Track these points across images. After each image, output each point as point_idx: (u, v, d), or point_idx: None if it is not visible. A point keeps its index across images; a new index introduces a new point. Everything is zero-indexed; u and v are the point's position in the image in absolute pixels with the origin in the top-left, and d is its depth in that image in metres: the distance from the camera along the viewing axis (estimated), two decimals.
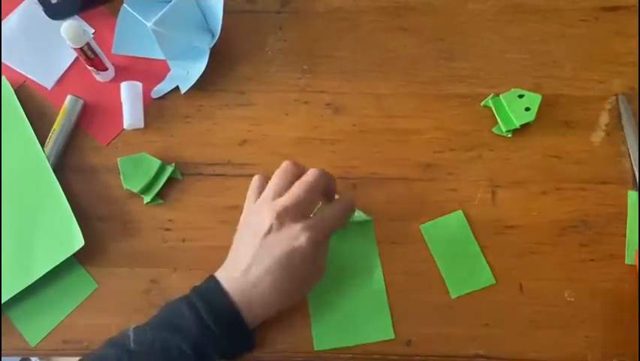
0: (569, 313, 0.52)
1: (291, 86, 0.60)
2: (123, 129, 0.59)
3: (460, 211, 0.55)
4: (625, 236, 0.54)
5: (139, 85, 0.59)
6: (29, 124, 0.58)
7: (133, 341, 0.45)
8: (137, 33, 0.60)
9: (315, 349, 0.52)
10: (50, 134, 0.57)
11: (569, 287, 0.53)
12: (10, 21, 0.63)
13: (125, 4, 0.60)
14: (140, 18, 0.57)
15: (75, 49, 0.55)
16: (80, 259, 0.55)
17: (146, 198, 0.56)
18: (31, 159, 0.57)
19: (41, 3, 0.61)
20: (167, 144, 0.59)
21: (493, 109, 0.57)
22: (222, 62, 0.61)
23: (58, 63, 0.61)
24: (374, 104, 0.59)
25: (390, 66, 0.60)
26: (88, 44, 0.55)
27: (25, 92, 0.60)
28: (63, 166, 0.58)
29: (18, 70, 0.61)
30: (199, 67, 0.59)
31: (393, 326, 0.52)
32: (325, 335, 0.52)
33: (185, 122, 0.59)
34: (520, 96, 0.57)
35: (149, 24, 0.55)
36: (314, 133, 0.58)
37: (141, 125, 0.59)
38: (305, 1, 0.63)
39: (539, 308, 0.52)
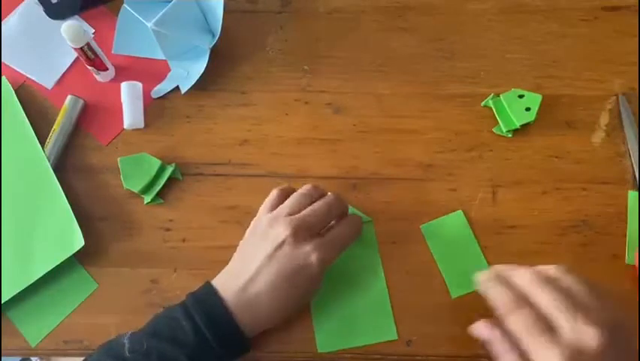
0: None
1: (292, 86, 0.60)
2: (123, 129, 0.59)
3: (461, 211, 0.55)
4: (625, 236, 0.54)
5: (139, 85, 0.59)
6: (29, 124, 0.58)
7: (128, 349, 0.44)
8: (137, 33, 0.60)
9: (319, 351, 0.52)
10: (50, 134, 0.57)
11: None
12: (11, 21, 0.63)
13: (125, 4, 0.60)
14: (140, 18, 0.57)
15: (75, 49, 0.55)
16: (80, 259, 0.55)
17: (147, 198, 0.56)
18: (31, 159, 0.57)
19: (41, 3, 0.61)
20: (168, 144, 0.58)
21: (494, 109, 0.57)
22: (223, 61, 0.61)
23: (59, 63, 0.61)
24: (374, 104, 0.59)
25: (390, 66, 0.60)
26: (88, 44, 0.55)
27: (25, 92, 0.60)
28: (63, 166, 0.58)
29: (18, 70, 0.61)
30: (199, 67, 0.59)
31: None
32: (328, 337, 0.52)
33: (185, 122, 0.59)
34: (521, 96, 0.57)
35: (149, 24, 0.55)
36: (314, 133, 0.58)
37: (141, 125, 0.59)
38: (306, 1, 0.63)
39: None
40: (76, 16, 0.63)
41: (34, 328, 0.54)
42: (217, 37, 0.58)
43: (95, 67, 0.58)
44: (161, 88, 0.60)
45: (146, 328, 0.46)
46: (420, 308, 0.53)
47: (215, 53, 0.59)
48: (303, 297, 0.49)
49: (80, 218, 0.55)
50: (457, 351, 0.52)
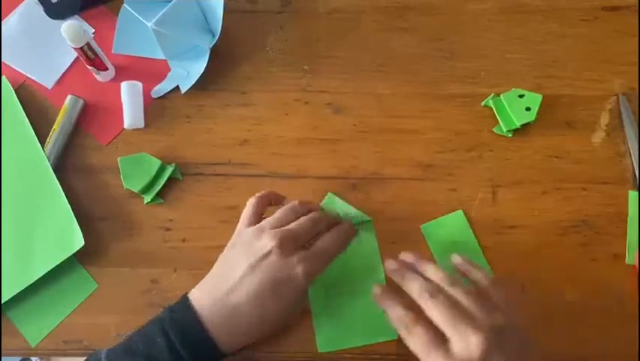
0: (570, 314, 0.52)
1: (292, 85, 0.60)
2: (123, 129, 0.59)
3: (461, 211, 0.55)
4: (625, 236, 0.54)
5: (139, 85, 0.59)
6: (29, 124, 0.58)
7: None
8: (137, 33, 0.60)
9: (319, 351, 0.52)
10: (50, 133, 0.57)
11: (570, 287, 0.53)
12: (11, 21, 0.63)
13: (125, 4, 0.60)
14: (140, 18, 0.57)
15: (75, 49, 0.55)
16: (80, 258, 0.55)
17: (147, 198, 0.56)
18: (31, 158, 0.57)
19: (41, 3, 0.61)
20: (168, 144, 0.58)
21: (494, 109, 0.57)
22: (223, 61, 0.61)
23: (59, 63, 0.61)
24: (374, 104, 0.59)
25: (390, 66, 0.60)
26: (88, 44, 0.55)
27: (25, 92, 0.60)
28: (63, 166, 0.58)
29: (18, 69, 0.61)
30: (199, 67, 0.59)
31: None
32: (328, 337, 0.52)
33: (185, 122, 0.59)
34: (521, 96, 0.57)
35: (149, 24, 0.55)
36: (314, 133, 0.58)
37: (141, 125, 0.59)
38: (306, 1, 0.63)
39: (540, 308, 0.52)
40: (76, 16, 0.63)
41: (34, 328, 0.54)
42: (217, 37, 0.58)
43: (95, 67, 0.58)
44: (161, 88, 0.60)
45: (123, 343, 0.46)
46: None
47: (215, 53, 0.59)
48: (285, 311, 0.46)
49: (79, 218, 0.55)
50: None
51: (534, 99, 0.56)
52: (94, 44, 0.56)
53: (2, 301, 0.53)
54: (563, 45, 0.60)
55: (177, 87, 0.60)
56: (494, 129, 0.57)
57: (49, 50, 0.62)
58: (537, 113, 0.56)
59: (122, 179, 0.56)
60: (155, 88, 0.60)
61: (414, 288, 0.45)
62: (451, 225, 0.55)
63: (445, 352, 0.42)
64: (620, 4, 0.61)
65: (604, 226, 0.54)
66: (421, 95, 0.59)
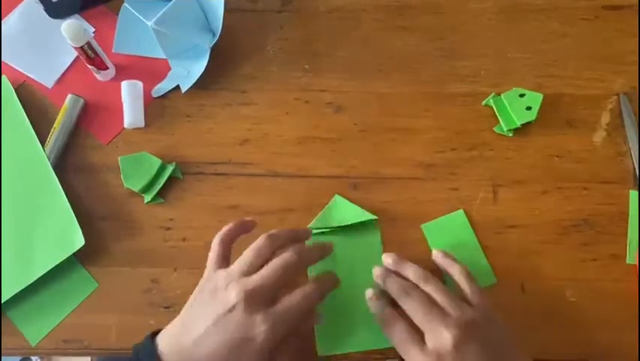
0: (571, 313, 0.52)
1: (292, 85, 0.60)
2: (124, 128, 0.59)
3: (462, 211, 0.55)
4: (626, 236, 0.54)
5: (139, 84, 0.59)
6: (30, 123, 0.58)
7: None
8: (137, 32, 0.60)
9: (319, 354, 0.51)
10: (51, 133, 0.57)
11: (571, 287, 0.53)
12: (11, 20, 0.63)
13: (125, 3, 0.60)
14: (140, 17, 0.57)
15: (75, 48, 0.55)
16: (80, 258, 0.55)
17: (147, 198, 0.56)
18: (31, 158, 0.57)
19: (42, 2, 0.61)
20: (168, 143, 0.58)
21: (495, 108, 0.57)
22: (223, 61, 0.61)
23: (59, 62, 0.61)
24: (375, 103, 0.59)
25: (391, 65, 0.60)
26: (88, 43, 0.55)
27: (25, 91, 0.60)
28: (63, 165, 0.58)
29: (18, 69, 0.61)
30: (200, 66, 0.58)
31: None
32: (329, 340, 0.52)
33: (185, 121, 0.59)
34: (522, 95, 0.57)
35: (149, 23, 0.55)
36: (315, 132, 0.58)
37: (142, 124, 0.59)
38: (306, 0, 0.63)
39: (541, 308, 0.52)
40: (77, 15, 0.63)
41: (35, 327, 0.54)
42: (217, 36, 0.58)
43: (95, 66, 0.58)
44: (162, 87, 0.60)
45: None
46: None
47: (215, 52, 0.59)
48: None
49: (80, 217, 0.55)
50: None
51: (535, 98, 0.56)
52: (94, 43, 0.56)
53: (2, 301, 0.53)
54: (563, 44, 0.60)
55: (178, 86, 0.60)
56: (495, 129, 0.57)
57: (49, 49, 0.61)
58: (538, 113, 0.56)
59: (122, 178, 0.56)
60: (156, 87, 0.60)
61: (393, 288, 0.48)
62: (452, 224, 0.55)
63: (421, 347, 0.44)
64: (621, 3, 0.61)
65: (605, 225, 0.54)
66: (421, 95, 0.59)
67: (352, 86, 0.60)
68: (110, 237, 0.56)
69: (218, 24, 0.58)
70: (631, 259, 0.53)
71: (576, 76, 0.59)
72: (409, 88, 0.59)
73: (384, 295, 0.49)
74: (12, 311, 0.54)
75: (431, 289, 0.46)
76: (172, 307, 0.54)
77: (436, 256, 0.51)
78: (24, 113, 0.58)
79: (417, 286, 0.47)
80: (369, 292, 0.50)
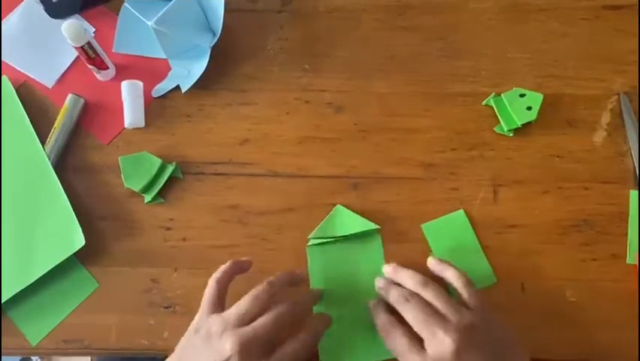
0: (571, 313, 0.52)
1: (293, 85, 0.60)
2: (124, 128, 0.59)
3: (462, 211, 0.55)
4: (626, 236, 0.54)
5: (140, 84, 0.59)
6: (30, 123, 0.58)
7: None
8: (137, 32, 0.60)
9: None
10: (51, 133, 0.57)
11: (571, 287, 0.53)
12: (11, 20, 0.63)
13: (125, 3, 0.60)
14: (140, 17, 0.57)
15: (76, 48, 0.55)
16: (80, 258, 0.55)
17: (147, 197, 0.56)
18: (31, 157, 0.57)
19: (42, 2, 0.61)
20: (168, 143, 0.58)
21: (495, 108, 0.57)
22: (223, 60, 0.61)
23: (59, 62, 0.61)
24: (375, 103, 0.59)
25: (391, 65, 0.60)
26: (89, 43, 0.55)
27: (25, 91, 0.60)
28: (64, 165, 0.58)
29: (19, 69, 0.61)
30: (200, 66, 0.58)
31: None
32: (332, 352, 0.51)
33: (186, 121, 0.59)
34: (522, 95, 0.57)
35: (150, 23, 0.55)
36: (315, 132, 0.58)
37: (142, 124, 0.59)
38: (306, 0, 0.63)
39: (541, 308, 0.52)
40: (77, 15, 0.63)
41: (35, 327, 0.54)
42: (218, 36, 0.58)
43: (95, 66, 0.58)
44: (162, 87, 0.60)
45: None
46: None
47: (215, 52, 0.59)
48: None
49: (80, 217, 0.55)
50: None
51: (535, 98, 0.56)
52: (94, 43, 0.56)
53: (3, 301, 0.53)
54: (564, 44, 0.60)
55: (178, 86, 0.60)
56: (495, 128, 0.57)
57: (49, 49, 0.61)
58: (538, 113, 0.56)
59: (122, 178, 0.56)
60: (156, 87, 0.60)
61: (392, 296, 0.48)
62: (452, 224, 0.55)
63: (421, 353, 0.44)
64: (621, 3, 0.61)
65: (605, 225, 0.54)
66: (421, 95, 0.59)
67: (352, 86, 0.60)
68: (110, 237, 0.56)
69: (219, 24, 0.58)
70: (631, 259, 0.53)
71: (576, 76, 0.59)
72: (409, 88, 0.59)
73: (385, 304, 0.49)
74: (12, 311, 0.54)
75: (430, 295, 0.46)
76: (172, 307, 0.54)
77: (431, 263, 0.51)
78: (24, 113, 0.58)
79: (416, 293, 0.47)
80: (371, 303, 0.50)
